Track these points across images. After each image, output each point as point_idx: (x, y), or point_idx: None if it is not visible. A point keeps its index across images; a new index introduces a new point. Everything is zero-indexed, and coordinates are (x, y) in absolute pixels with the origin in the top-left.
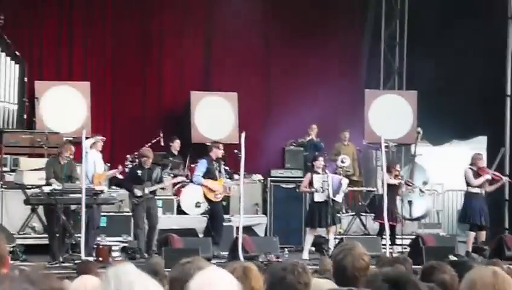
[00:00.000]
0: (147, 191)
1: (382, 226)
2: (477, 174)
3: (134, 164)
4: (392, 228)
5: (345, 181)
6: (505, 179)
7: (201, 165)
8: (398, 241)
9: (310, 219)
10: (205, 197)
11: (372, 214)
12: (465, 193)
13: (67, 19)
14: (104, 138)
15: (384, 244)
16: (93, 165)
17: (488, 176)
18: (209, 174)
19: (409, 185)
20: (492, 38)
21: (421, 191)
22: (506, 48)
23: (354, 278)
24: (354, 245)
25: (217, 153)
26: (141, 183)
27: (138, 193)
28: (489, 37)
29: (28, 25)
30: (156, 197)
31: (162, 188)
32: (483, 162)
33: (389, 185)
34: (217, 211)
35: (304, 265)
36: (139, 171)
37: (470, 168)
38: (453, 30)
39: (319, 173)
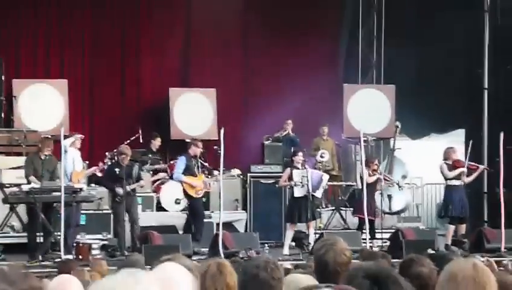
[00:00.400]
0: (128, 189)
1: (361, 220)
2: (452, 167)
3: (113, 161)
4: (371, 222)
5: (326, 177)
6: (482, 166)
7: (181, 162)
8: (378, 235)
9: (290, 215)
10: (185, 194)
11: (352, 209)
12: (445, 186)
13: (44, 16)
14: (83, 136)
15: (365, 239)
16: (72, 163)
17: (463, 169)
18: (188, 170)
19: (386, 180)
20: (469, 32)
21: (398, 185)
22: (483, 41)
23: (335, 273)
24: (335, 240)
25: (195, 150)
26: (120, 181)
27: (120, 191)
28: (467, 30)
29: (5, 22)
30: (136, 194)
31: (141, 186)
32: (457, 155)
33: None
34: (197, 208)
35: (275, 261)
36: (116, 169)
37: (445, 162)
38: (430, 24)
39: (298, 168)
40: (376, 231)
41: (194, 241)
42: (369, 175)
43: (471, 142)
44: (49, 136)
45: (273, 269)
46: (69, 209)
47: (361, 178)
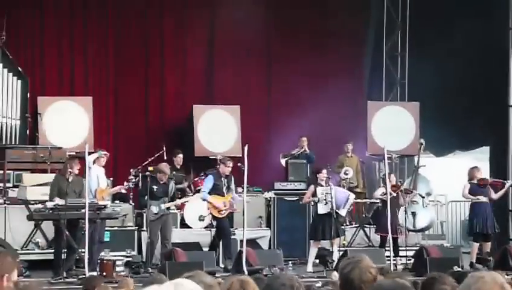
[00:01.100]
0: (163, 207)
1: (383, 238)
2: (479, 187)
3: (137, 179)
4: (395, 240)
5: (352, 197)
6: (508, 182)
7: (208, 182)
8: (402, 253)
9: (314, 232)
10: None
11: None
12: (471, 203)
13: (68, 34)
14: (108, 154)
15: (388, 256)
16: (96, 180)
17: (484, 199)
18: (216, 190)
19: (408, 193)
20: (494, 48)
21: (421, 196)
22: (508, 57)
23: None
24: (361, 258)
25: (224, 169)
26: (157, 199)
27: (155, 209)
28: (492, 47)
29: (30, 41)
30: (170, 212)
31: (177, 205)
32: (481, 173)
33: (391, 197)
34: (222, 227)
35: (299, 281)
36: (154, 187)
37: (470, 182)
38: (454, 41)
39: (322, 185)
40: (400, 248)
41: (227, 259)
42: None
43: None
44: (73, 153)
45: (297, 287)
46: (94, 225)
47: (385, 195)
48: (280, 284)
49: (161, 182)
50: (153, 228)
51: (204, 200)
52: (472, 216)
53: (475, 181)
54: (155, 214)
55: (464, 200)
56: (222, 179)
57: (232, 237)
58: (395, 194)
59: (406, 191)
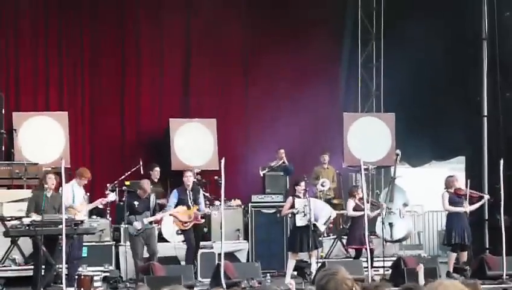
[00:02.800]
0: (146, 222)
1: (356, 251)
2: (456, 196)
3: (125, 192)
4: (370, 251)
5: (334, 214)
6: (486, 196)
7: (172, 196)
8: (379, 264)
9: (292, 244)
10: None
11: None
12: (448, 214)
13: (43, 49)
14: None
15: (366, 267)
16: (71, 197)
17: (463, 209)
18: (181, 204)
19: (374, 205)
20: (468, 59)
21: (388, 208)
22: (482, 68)
23: None
24: (337, 269)
25: (186, 181)
26: (138, 214)
27: (138, 225)
28: (466, 57)
29: (4, 57)
30: (154, 226)
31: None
32: (459, 183)
33: (357, 209)
34: (187, 239)
35: None
36: (135, 203)
37: (448, 191)
38: (429, 52)
39: (300, 197)
40: (378, 259)
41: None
42: (355, 206)
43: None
44: (49, 169)
45: None
46: (71, 241)
47: (363, 205)
48: None
49: (142, 198)
50: (136, 243)
51: (170, 215)
52: (450, 227)
53: (452, 190)
54: (138, 230)
55: (441, 210)
56: (187, 192)
57: (210, 250)
58: (363, 207)
59: (372, 204)
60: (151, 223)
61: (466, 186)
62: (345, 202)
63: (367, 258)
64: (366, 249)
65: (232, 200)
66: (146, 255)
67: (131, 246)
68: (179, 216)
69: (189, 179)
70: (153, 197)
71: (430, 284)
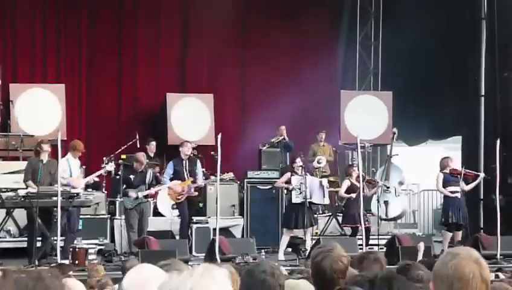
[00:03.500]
0: (140, 195)
1: (353, 229)
2: (451, 175)
3: (121, 166)
4: (367, 229)
5: (325, 182)
6: (481, 174)
7: (168, 168)
8: (374, 242)
9: (287, 220)
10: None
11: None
12: (444, 195)
13: (40, 20)
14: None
15: (361, 245)
16: (68, 170)
17: (454, 188)
18: (176, 175)
19: (372, 183)
20: (467, 38)
21: (386, 187)
22: (480, 47)
23: (332, 279)
24: (332, 247)
25: (184, 151)
26: (134, 187)
27: (133, 195)
28: (464, 36)
29: (1, 28)
30: (149, 200)
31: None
32: (454, 163)
33: (355, 187)
34: (181, 212)
35: (279, 267)
36: (131, 176)
37: (443, 172)
38: (427, 30)
39: (297, 174)
40: (371, 237)
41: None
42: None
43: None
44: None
45: (278, 275)
46: (67, 214)
47: (359, 183)
48: (261, 271)
49: (138, 171)
50: (131, 216)
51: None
52: (446, 207)
53: (447, 171)
54: (135, 199)
55: (436, 190)
56: (184, 162)
57: (205, 225)
58: (358, 185)
59: (368, 181)
60: (146, 197)
61: (462, 166)
62: (341, 179)
63: (362, 236)
64: (361, 227)
65: (225, 173)
66: None
67: (126, 219)
68: (174, 188)
69: (186, 150)
70: (150, 171)
71: (444, 256)
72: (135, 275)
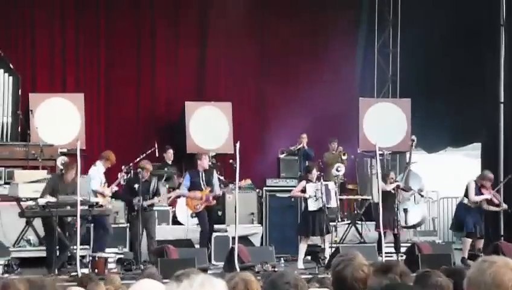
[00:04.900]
0: (145, 204)
1: (380, 234)
2: (478, 189)
3: (129, 175)
4: (396, 236)
5: (331, 185)
6: (505, 206)
7: (185, 180)
8: (392, 249)
9: (303, 228)
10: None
11: (368, 222)
12: (459, 203)
13: (60, 30)
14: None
15: (387, 253)
16: (99, 180)
17: (488, 196)
18: (193, 186)
19: (404, 191)
20: (486, 45)
21: (420, 194)
22: (500, 54)
23: (353, 288)
24: (354, 255)
25: (202, 164)
26: (138, 196)
27: (137, 201)
28: (484, 43)
29: (22, 38)
30: (154, 209)
31: (158, 201)
32: (490, 183)
33: (387, 193)
34: (201, 222)
35: (303, 280)
36: (136, 185)
37: (475, 181)
38: (446, 37)
39: (312, 182)
40: (389, 245)
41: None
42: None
43: (510, 176)
44: (65, 150)
45: (302, 286)
46: (103, 221)
47: (378, 191)
48: (284, 283)
49: (143, 180)
50: (134, 224)
51: (183, 196)
52: (461, 218)
53: (479, 183)
54: (136, 211)
55: (456, 197)
56: (200, 174)
57: (224, 233)
58: (393, 189)
59: (403, 189)
60: (151, 205)
61: (493, 189)
62: (359, 187)
63: (382, 243)
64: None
65: (243, 180)
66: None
67: (130, 227)
68: (192, 197)
69: (205, 163)
70: (154, 180)
71: (481, 262)
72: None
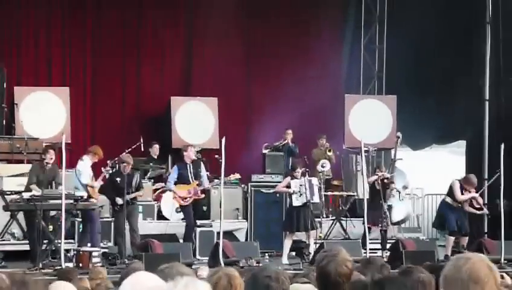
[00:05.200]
0: (127, 198)
1: (370, 230)
2: (463, 189)
3: (114, 170)
4: (382, 233)
5: (314, 180)
6: (485, 211)
7: (173, 172)
8: (376, 246)
9: (288, 223)
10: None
11: (353, 219)
12: (442, 201)
13: (45, 25)
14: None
15: (372, 249)
16: (88, 175)
17: (476, 195)
18: (181, 179)
19: (392, 183)
20: (471, 43)
21: (397, 191)
22: (485, 53)
23: (337, 284)
24: (337, 251)
25: (188, 155)
26: (120, 190)
27: (119, 201)
28: (469, 41)
29: (7, 30)
30: (137, 203)
31: (141, 195)
32: (474, 186)
33: (374, 189)
34: (186, 215)
35: (284, 272)
36: (118, 179)
37: (459, 181)
38: (433, 35)
39: (297, 178)
40: (374, 241)
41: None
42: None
43: (497, 174)
44: (51, 144)
45: (283, 280)
46: (90, 216)
47: (370, 185)
48: (265, 276)
49: (125, 173)
50: (118, 219)
51: (169, 190)
52: (443, 216)
53: (463, 183)
54: (120, 205)
55: (440, 194)
56: (188, 166)
57: (209, 228)
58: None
59: (390, 182)
60: (133, 199)
61: (476, 191)
62: (345, 183)
63: (365, 238)
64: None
65: (231, 175)
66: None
67: (114, 221)
68: (178, 191)
69: (191, 154)
70: (137, 174)
71: (456, 259)
72: (131, 282)
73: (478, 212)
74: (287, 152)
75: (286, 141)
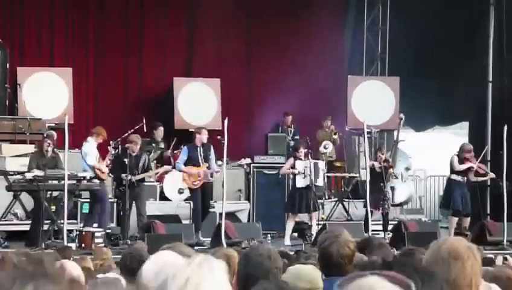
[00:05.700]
0: (133, 179)
1: (372, 213)
2: (462, 162)
3: (117, 151)
4: (383, 215)
5: (322, 164)
6: (491, 174)
7: (183, 153)
8: (379, 227)
9: (291, 204)
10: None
11: (355, 200)
12: (448, 179)
13: (48, 5)
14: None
15: (374, 230)
16: (95, 156)
17: (473, 165)
18: (191, 161)
19: (391, 167)
20: (474, 25)
21: (407, 169)
22: (489, 34)
23: (339, 265)
24: (339, 232)
25: (201, 138)
26: (128, 170)
27: (125, 178)
28: (472, 23)
29: (10, 11)
30: (143, 185)
31: (149, 176)
32: (471, 154)
33: (375, 172)
34: (194, 199)
35: (275, 251)
36: (125, 159)
37: (457, 155)
38: (436, 15)
39: (301, 159)
40: (376, 222)
41: (195, 231)
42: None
43: (486, 147)
44: (53, 125)
45: (275, 258)
46: (100, 196)
47: (371, 168)
48: (257, 255)
49: (133, 154)
50: (122, 199)
51: (179, 170)
52: (449, 195)
53: (460, 156)
54: (124, 186)
55: (443, 175)
56: (198, 148)
57: (211, 209)
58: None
59: (390, 166)
60: (141, 180)
61: (477, 160)
62: (347, 164)
63: (367, 219)
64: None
65: (242, 159)
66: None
67: (118, 202)
68: (189, 172)
69: (204, 137)
70: (145, 155)
71: (434, 243)
72: (155, 259)
73: (485, 178)
74: (290, 134)
75: (288, 124)
